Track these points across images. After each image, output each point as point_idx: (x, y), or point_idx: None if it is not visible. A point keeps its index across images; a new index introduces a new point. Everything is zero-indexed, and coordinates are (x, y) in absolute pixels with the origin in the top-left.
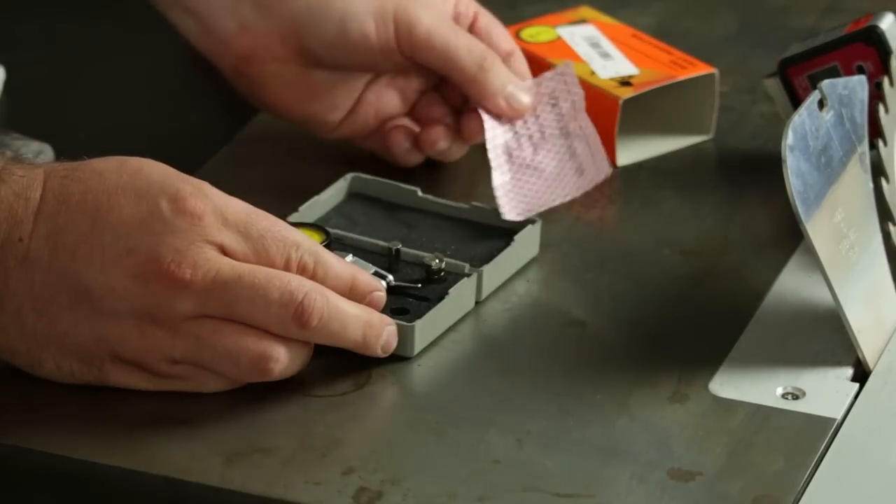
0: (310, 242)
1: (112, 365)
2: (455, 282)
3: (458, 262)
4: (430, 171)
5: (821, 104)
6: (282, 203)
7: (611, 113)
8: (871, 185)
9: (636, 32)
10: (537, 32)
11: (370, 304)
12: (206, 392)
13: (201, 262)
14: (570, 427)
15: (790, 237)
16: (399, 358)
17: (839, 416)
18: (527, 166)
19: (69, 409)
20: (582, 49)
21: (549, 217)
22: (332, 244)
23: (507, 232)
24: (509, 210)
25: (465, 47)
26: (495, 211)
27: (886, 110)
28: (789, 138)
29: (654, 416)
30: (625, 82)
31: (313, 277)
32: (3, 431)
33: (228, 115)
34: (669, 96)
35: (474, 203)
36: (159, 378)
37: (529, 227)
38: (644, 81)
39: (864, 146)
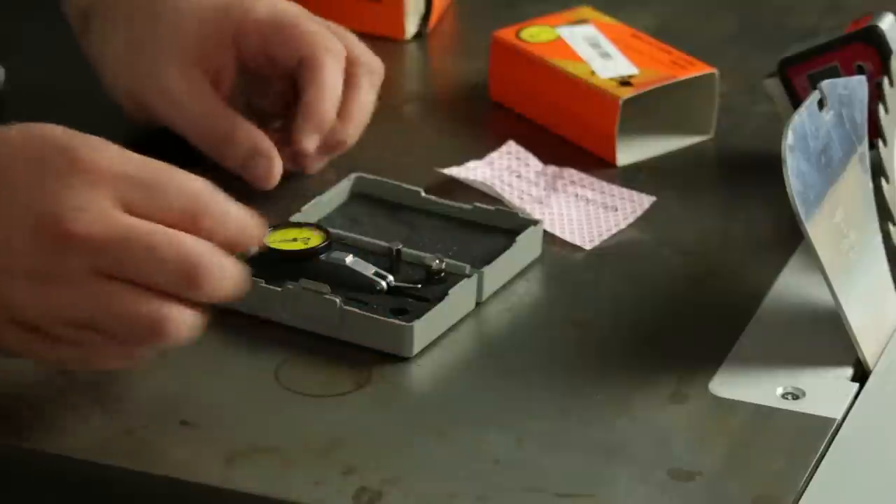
0: (210, 193)
1: (9, 327)
2: (456, 283)
3: (459, 263)
4: (434, 171)
5: (821, 104)
6: (285, 202)
7: (611, 113)
8: (871, 185)
9: (636, 32)
10: (537, 32)
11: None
12: (105, 371)
13: (96, 217)
14: (570, 427)
15: (790, 237)
16: (399, 358)
17: (839, 416)
18: (551, 214)
19: (69, 409)
20: (582, 49)
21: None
22: (333, 244)
23: (509, 233)
24: (580, 241)
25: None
26: (498, 211)
27: (886, 110)
28: (789, 138)
29: (654, 416)
30: (625, 82)
31: (210, 230)
32: (3, 431)
33: None
34: (669, 96)
35: (477, 204)
36: (56, 344)
37: (531, 228)
38: (644, 81)
39: (864, 146)
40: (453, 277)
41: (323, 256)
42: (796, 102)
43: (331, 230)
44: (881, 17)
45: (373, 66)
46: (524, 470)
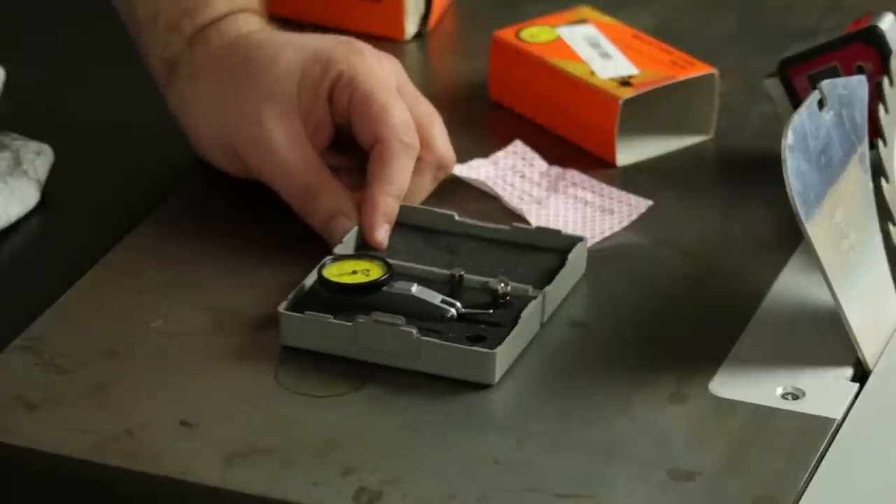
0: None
1: None
2: (520, 304)
3: (521, 285)
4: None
5: (821, 104)
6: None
7: (611, 113)
8: (871, 185)
9: (636, 32)
10: (537, 32)
11: None
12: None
13: None
14: (570, 427)
15: (790, 237)
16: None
17: (839, 416)
18: (547, 215)
19: (69, 409)
20: (582, 49)
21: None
22: (394, 276)
23: (548, 251)
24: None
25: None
26: (538, 230)
27: (886, 110)
28: (789, 138)
29: (654, 416)
30: (625, 82)
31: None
32: (3, 431)
33: None
34: (669, 96)
35: (515, 224)
36: None
37: (578, 245)
38: (644, 81)
39: (864, 146)
40: (517, 300)
41: (387, 287)
42: (796, 102)
43: (391, 260)
44: (881, 17)
45: (444, 161)
46: (524, 470)
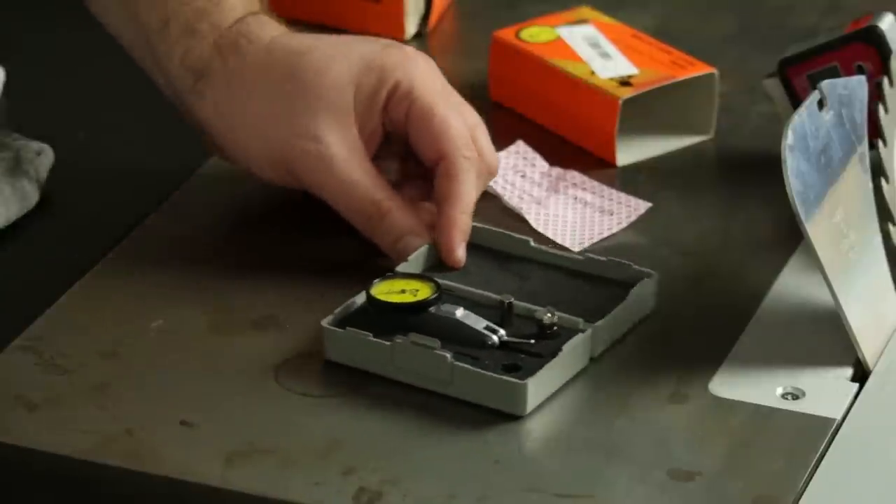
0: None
1: None
2: (568, 337)
3: (572, 318)
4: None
5: (821, 104)
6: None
7: (611, 113)
8: (871, 185)
9: (636, 32)
10: (537, 32)
11: None
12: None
13: None
14: (570, 427)
15: (790, 237)
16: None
17: (839, 416)
18: (546, 215)
19: (69, 409)
20: (582, 49)
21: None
22: (443, 296)
23: (621, 284)
24: (570, 243)
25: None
26: (610, 262)
27: (886, 110)
28: (789, 138)
29: (654, 416)
30: (625, 82)
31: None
32: (3, 431)
33: None
34: (669, 96)
35: (589, 254)
36: None
37: (645, 280)
38: (644, 81)
39: (864, 146)
40: (566, 332)
41: (433, 309)
42: (796, 102)
43: (442, 281)
44: (881, 17)
45: (493, 168)
46: (524, 470)
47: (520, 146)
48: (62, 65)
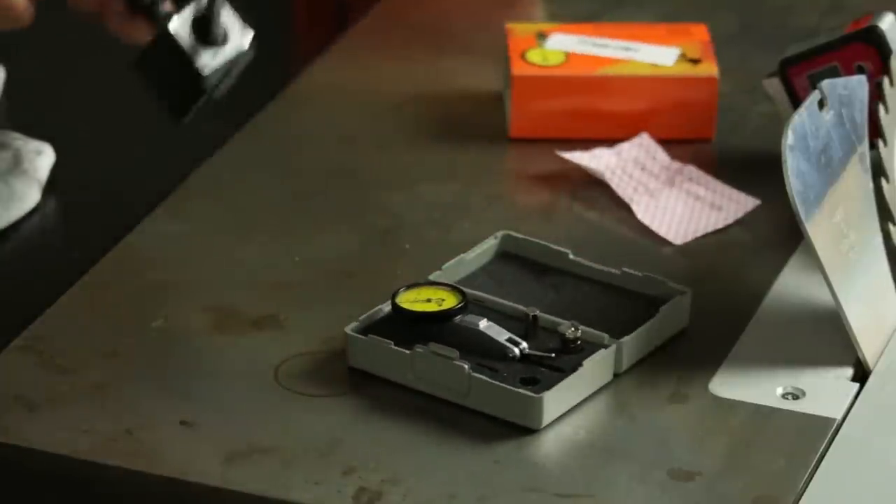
0: None
1: None
2: (592, 352)
3: (597, 332)
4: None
5: (821, 104)
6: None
7: (710, 92)
8: (871, 185)
9: (599, 24)
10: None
11: None
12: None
13: None
14: (570, 427)
15: (790, 237)
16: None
17: (839, 416)
18: (655, 206)
19: (69, 409)
20: (606, 52)
21: (549, 217)
22: (469, 306)
23: (655, 300)
24: (673, 237)
25: None
26: (646, 278)
27: (886, 110)
28: (789, 138)
29: (654, 416)
30: (693, 60)
31: None
32: (3, 431)
33: (228, 116)
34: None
35: (625, 269)
36: None
37: (677, 297)
38: (699, 55)
39: (864, 146)
40: (590, 346)
41: (456, 319)
42: (796, 102)
43: (469, 291)
44: (881, 17)
45: None
46: (524, 470)
47: (643, 139)
48: (62, 65)
